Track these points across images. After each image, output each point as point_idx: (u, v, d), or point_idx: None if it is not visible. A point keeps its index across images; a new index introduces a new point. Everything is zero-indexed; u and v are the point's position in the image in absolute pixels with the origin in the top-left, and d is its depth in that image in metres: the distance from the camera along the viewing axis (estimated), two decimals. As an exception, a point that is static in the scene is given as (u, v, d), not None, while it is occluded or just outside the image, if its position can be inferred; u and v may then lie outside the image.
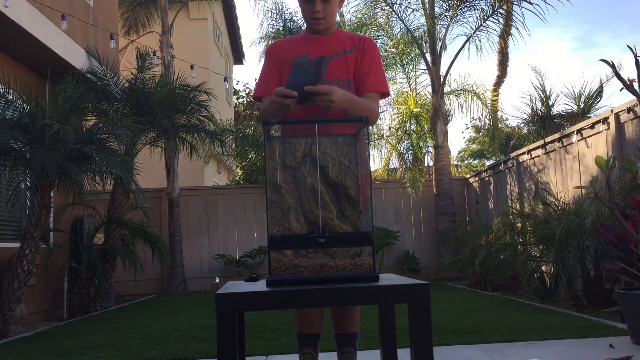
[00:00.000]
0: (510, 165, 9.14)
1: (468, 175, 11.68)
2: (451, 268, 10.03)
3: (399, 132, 12.21)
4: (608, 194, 3.80)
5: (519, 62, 52.24)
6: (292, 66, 2.33)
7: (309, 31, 2.60)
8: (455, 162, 27.01)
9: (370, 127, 10.54)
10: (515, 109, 42.22)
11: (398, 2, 11.20)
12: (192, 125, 9.22)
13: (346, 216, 1.83)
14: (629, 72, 57.98)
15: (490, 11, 10.55)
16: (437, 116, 10.89)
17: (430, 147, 12.18)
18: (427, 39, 11.24)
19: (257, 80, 2.84)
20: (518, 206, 8.46)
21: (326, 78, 2.47)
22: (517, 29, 10.69)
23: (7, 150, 5.91)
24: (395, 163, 12.73)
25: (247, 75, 58.44)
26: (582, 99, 10.27)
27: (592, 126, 6.70)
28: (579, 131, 6.98)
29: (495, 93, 13.00)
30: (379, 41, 12.50)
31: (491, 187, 10.07)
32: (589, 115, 10.09)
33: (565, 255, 6.01)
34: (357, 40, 2.59)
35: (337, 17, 13.06)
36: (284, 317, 5.71)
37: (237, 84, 24.57)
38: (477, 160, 32.12)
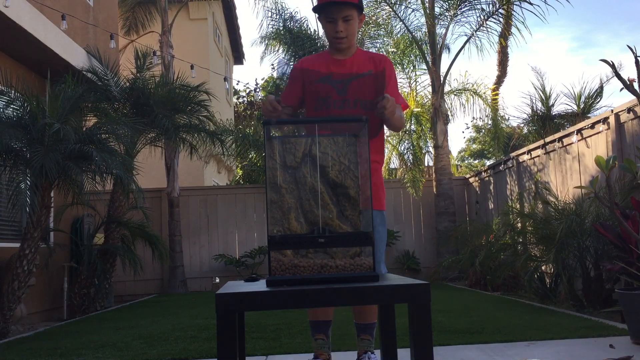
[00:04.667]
0: (510, 165, 9.14)
1: (468, 175, 11.68)
2: (451, 268, 10.03)
3: (399, 132, 12.21)
4: (608, 194, 3.80)
5: (519, 62, 52.17)
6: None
7: (332, 51, 2.86)
8: (456, 162, 26.99)
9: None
10: (515, 109, 42.25)
11: (398, 2, 11.20)
12: (193, 125, 9.22)
13: (346, 216, 1.83)
14: (629, 72, 57.92)
15: (491, 11, 10.55)
16: (437, 116, 10.89)
17: (430, 147, 12.19)
18: (428, 39, 11.24)
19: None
20: (518, 206, 8.46)
21: (346, 99, 2.77)
22: (517, 28, 10.70)
23: (7, 150, 5.91)
24: (395, 163, 12.73)
25: (247, 75, 58.37)
26: (582, 99, 10.29)
27: (592, 126, 6.70)
28: (579, 131, 6.97)
29: (496, 93, 13.01)
30: (379, 41, 12.51)
31: (491, 187, 10.07)
32: (589, 115, 10.09)
33: (565, 255, 6.01)
34: (374, 60, 2.85)
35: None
36: (284, 317, 5.71)
37: (237, 84, 24.58)
38: (477, 160, 32.10)
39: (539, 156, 8.18)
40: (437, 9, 10.98)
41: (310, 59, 2.98)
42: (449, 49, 12.10)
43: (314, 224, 1.80)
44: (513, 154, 9.04)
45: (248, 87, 24.74)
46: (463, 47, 10.94)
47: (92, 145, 6.30)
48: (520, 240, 7.45)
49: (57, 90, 6.61)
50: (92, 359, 4.06)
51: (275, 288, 1.72)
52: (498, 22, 10.89)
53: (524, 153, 8.68)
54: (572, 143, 7.17)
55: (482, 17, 10.66)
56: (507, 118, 14.69)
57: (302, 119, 2.41)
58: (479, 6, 10.64)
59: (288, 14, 13.22)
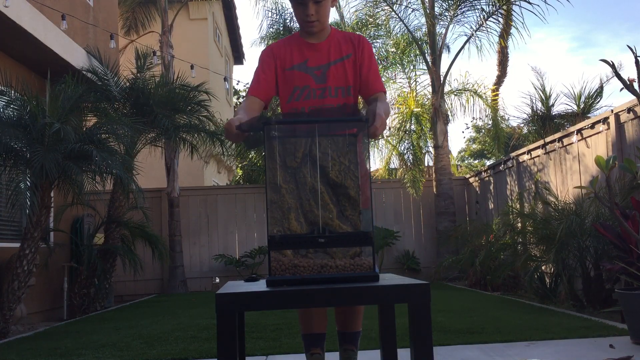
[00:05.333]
0: (510, 165, 9.14)
1: (468, 175, 11.68)
2: (451, 268, 10.02)
3: (399, 132, 12.21)
4: (608, 194, 3.80)
5: (519, 62, 52.17)
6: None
7: (304, 34, 2.58)
8: (456, 162, 27.00)
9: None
10: (515, 109, 42.23)
11: (398, 2, 11.20)
12: (193, 125, 9.22)
13: (346, 216, 1.83)
14: (629, 72, 57.91)
15: (491, 11, 10.55)
16: (437, 116, 10.89)
17: (430, 147, 12.19)
18: (427, 39, 11.24)
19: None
20: (518, 206, 8.46)
21: (326, 86, 2.53)
22: (517, 29, 10.70)
23: (7, 150, 5.91)
24: (395, 163, 12.73)
25: (247, 75, 58.34)
26: (582, 99, 10.29)
27: (592, 126, 6.70)
28: (579, 131, 6.97)
29: (496, 93, 13.01)
30: (379, 41, 12.51)
31: (491, 187, 10.07)
32: (589, 115, 10.09)
33: (565, 255, 6.01)
34: (352, 41, 2.58)
35: (337, 17, 13.07)
36: (284, 317, 5.71)
37: (237, 84, 24.58)
38: (477, 160, 32.10)
39: (539, 156, 8.18)
40: (437, 9, 10.98)
41: (280, 44, 2.65)
42: (449, 49, 12.12)
43: (314, 224, 1.80)
44: (513, 154, 9.04)
45: (248, 87, 24.70)
46: (463, 47, 10.94)
47: (92, 145, 6.30)
48: (520, 240, 7.45)
49: (57, 90, 6.61)
50: (92, 359, 4.06)
51: (275, 288, 1.72)
52: (498, 22, 10.90)
53: (524, 153, 8.68)
54: (572, 143, 7.17)
55: (482, 17, 10.67)
56: (507, 118, 14.69)
57: (302, 119, 2.39)
58: (478, 6, 10.65)
59: (288, 14, 13.23)
